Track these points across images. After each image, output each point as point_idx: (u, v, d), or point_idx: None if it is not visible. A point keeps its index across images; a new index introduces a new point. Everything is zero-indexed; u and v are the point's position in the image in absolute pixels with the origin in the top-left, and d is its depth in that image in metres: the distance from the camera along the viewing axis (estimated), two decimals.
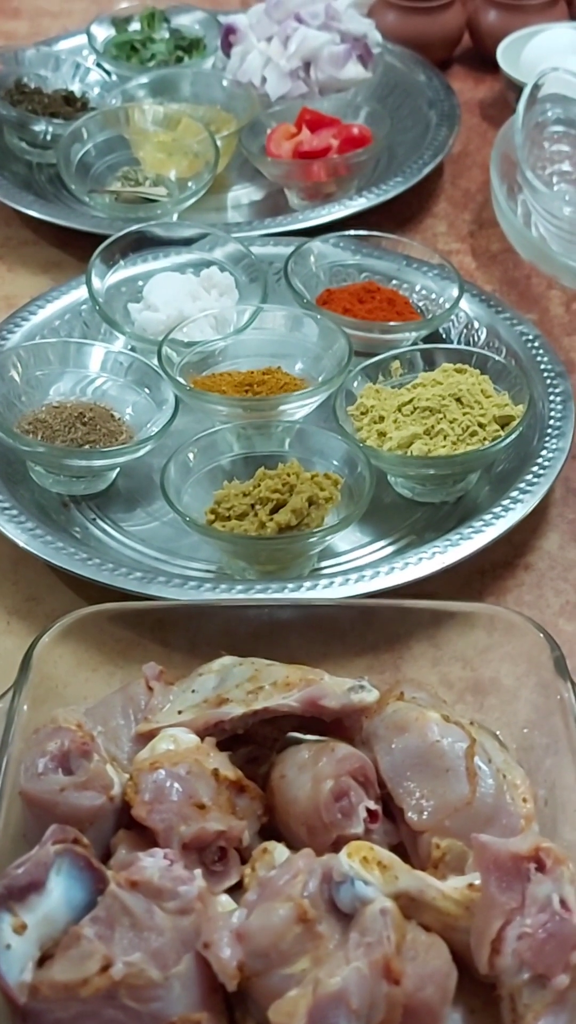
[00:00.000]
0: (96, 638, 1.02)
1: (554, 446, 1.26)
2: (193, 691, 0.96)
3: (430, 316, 1.41)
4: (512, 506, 1.20)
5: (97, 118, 1.69)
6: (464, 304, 1.42)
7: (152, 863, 0.83)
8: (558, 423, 1.28)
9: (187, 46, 1.88)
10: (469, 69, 1.97)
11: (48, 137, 1.70)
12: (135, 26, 1.89)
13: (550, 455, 1.25)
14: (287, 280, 1.41)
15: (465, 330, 1.42)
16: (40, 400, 1.30)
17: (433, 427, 1.23)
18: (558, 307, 1.51)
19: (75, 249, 1.58)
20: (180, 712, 0.95)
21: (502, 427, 1.24)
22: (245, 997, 0.81)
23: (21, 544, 1.17)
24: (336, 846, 0.86)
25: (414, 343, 1.38)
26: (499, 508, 1.20)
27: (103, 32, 1.88)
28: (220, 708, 0.94)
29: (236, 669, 0.97)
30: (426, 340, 1.39)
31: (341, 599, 1.11)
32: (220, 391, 1.28)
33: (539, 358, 1.36)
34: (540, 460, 1.24)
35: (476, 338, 1.41)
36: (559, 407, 1.30)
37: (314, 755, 0.91)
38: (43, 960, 0.80)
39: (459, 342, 1.41)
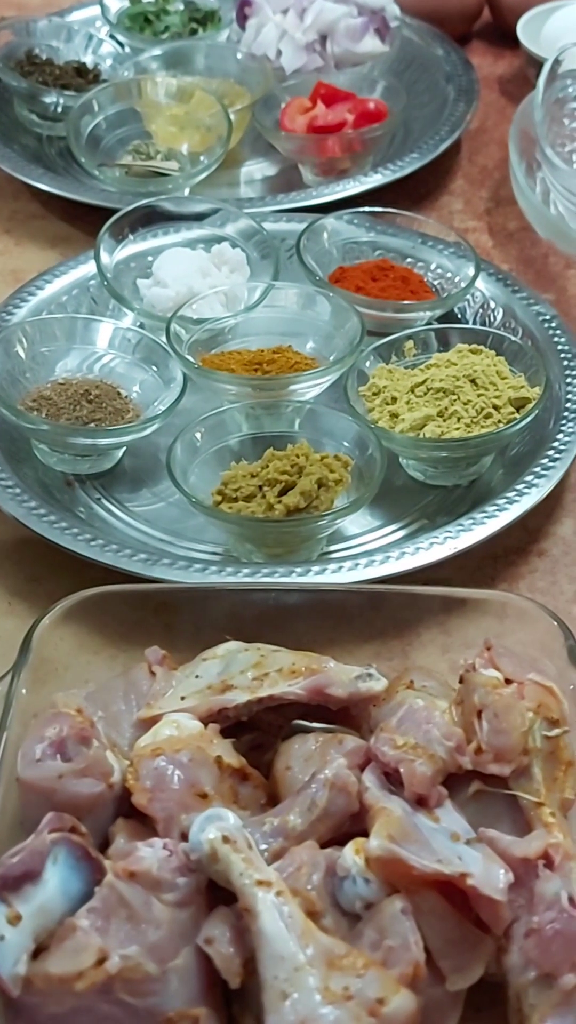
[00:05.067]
0: (98, 620, 1.00)
1: (570, 429, 1.23)
2: (197, 676, 0.94)
3: (445, 295, 1.38)
4: (527, 491, 1.17)
5: (108, 90, 1.66)
6: (480, 283, 1.39)
7: (151, 853, 0.81)
8: (575, 406, 1.25)
9: (201, 18, 1.85)
10: (488, 44, 1.93)
11: (58, 109, 1.68)
12: None
13: (566, 439, 1.22)
14: (299, 257, 1.38)
15: (481, 310, 1.40)
16: (45, 377, 1.28)
17: (447, 409, 1.20)
18: None
19: (84, 223, 1.55)
20: (183, 698, 0.92)
21: (517, 409, 1.21)
22: (244, 992, 0.79)
23: (23, 523, 1.15)
24: (340, 840, 0.84)
25: (428, 323, 1.35)
26: (513, 492, 1.17)
27: (116, 3, 1.85)
28: (224, 695, 0.91)
29: (241, 655, 0.95)
30: (441, 320, 1.36)
31: (349, 584, 1.08)
32: (229, 370, 1.25)
33: (556, 339, 1.33)
34: (556, 444, 1.22)
35: (492, 318, 1.38)
36: None
37: (321, 747, 0.88)
38: (38, 952, 0.77)
39: (474, 322, 1.38)
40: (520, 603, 1.00)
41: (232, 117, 1.60)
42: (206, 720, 0.91)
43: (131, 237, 1.43)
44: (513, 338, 1.29)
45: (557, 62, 1.58)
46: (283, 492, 1.14)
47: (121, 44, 1.80)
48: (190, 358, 1.26)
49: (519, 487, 1.18)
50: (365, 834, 0.83)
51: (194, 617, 1.01)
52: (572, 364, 1.30)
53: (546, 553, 1.19)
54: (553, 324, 1.35)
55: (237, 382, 1.24)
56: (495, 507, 1.16)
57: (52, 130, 1.70)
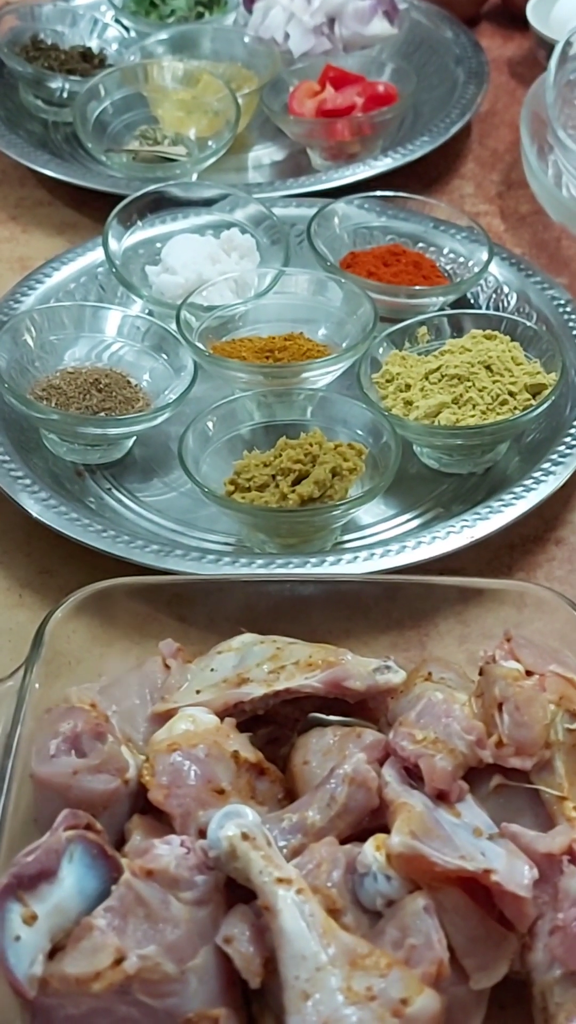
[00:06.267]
0: (111, 613, 0.98)
1: None
2: (212, 670, 0.93)
3: (458, 280, 1.36)
4: (543, 478, 1.16)
5: (115, 75, 1.64)
6: (493, 268, 1.37)
7: (168, 851, 0.79)
8: None
9: (208, 1, 1.82)
10: (497, 26, 1.91)
11: (64, 95, 1.66)
12: None
13: None
14: (310, 242, 1.36)
15: (494, 295, 1.38)
16: (54, 365, 1.26)
17: (461, 395, 1.18)
18: None
19: (91, 210, 1.54)
20: (198, 692, 0.91)
21: (533, 396, 1.19)
22: (264, 992, 0.77)
23: (34, 515, 1.14)
24: (359, 836, 0.83)
25: (441, 308, 1.33)
26: (530, 480, 1.16)
27: None
28: (240, 688, 0.90)
29: (257, 647, 0.93)
30: (454, 305, 1.35)
31: (365, 574, 1.07)
32: (240, 357, 1.24)
33: (571, 324, 1.31)
34: (573, 430, 1.20)
35: (505, 303, 1.37)
36: None
37: (339, 741, 0.87)
38: (54, 952, 0.76)
39: (488, 307, 1.37)
40: (538, 592, 0.99)
41: (240, 101, 1.58)
42: (222, 714, 0.89)
43: (139, 223, 1.42)
44: (528, 323, 1.28)
45: (569, 44, 1.56)
46: (297, 481, 1.12)
47: (126, 28, 1.78)
48: (200, 346, 1.24)
49: (536, 475, 1.16)
50: (384, 829, 0.82)
51: (208, 609, 1.00)
52: None
53: (564, 541, 1.18)
54: (568, 308, 1.33)
55: (249, 370, 1.22)
56: (512, 495, 1.14)
57: (58, 116, 1.68)
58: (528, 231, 1.53)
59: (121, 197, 1.42)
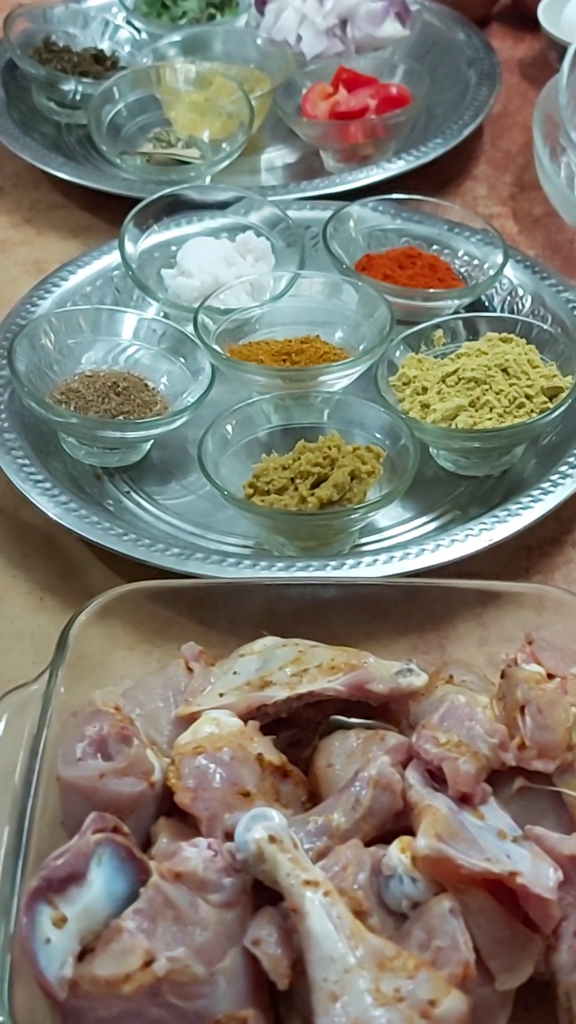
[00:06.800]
0: (133, 616, 0.99)
1: None
2: (235, 673, 0.93)
3: (473, 283, 1.37)
4: (560, 481, 1.16)
5: (128, 77, 1.64)
6: (507, 270, 1.37)
7: (196, 854, 0.80)
8: None
9: (219, 3, 1.83)
10: (508, 27, 1.92)
11: (77, 97, 1.66)
12: None
13: None
14: (326, 245, 1.37)
15: (509, 297, 1.38)
16: (72, 369, 1.27)
17: (478, 399, 1.19)
18: None
19: (106, 213, 1.54)
20: (221, 695, 0.92)
21: (550, 399, 1.20)
22: (292, 993, 0.78)
23: (54, 518, 1.14)
24: (383, 838, 0.83)
25: (456, 311, 1.34)
26: (547, 483, 1.16)
27: None
28: (263, 691, 0.91)
29: (279, 651, 0.94)
30: (469, 308, 1.35)
31: (384, 577, 1.07)
32: (258, 360, 1.24)
33: None
34: None
35: (520, 306, 1.37)
36: None
37: (363, 744, 0.88)
38: (84, 954, 0.77)
39: (503, 310, 1.37)
40: (558, 595, 0.99)
41: (253, 103, 1.58)
42: (245, 717, 0.90)
43: (155, 227, 1.42)
44: (543, 326, 1.28)
45: None
46: (315, 484, 1.13)
47: (138, 30, 1.79)
48: (218, 349, 1.24)
49: (553, 477, 1.17)
50: (408, 832, 0.82)
51: (229, 612, 1.01)
52: None
53: None
54: None
55: (267, 373, 1.23)
56: (529, 498, 1.15)
57: (71, 118, 1.68)
58: (542, 233, 1.54)
59: (135, 200, 1.43)
